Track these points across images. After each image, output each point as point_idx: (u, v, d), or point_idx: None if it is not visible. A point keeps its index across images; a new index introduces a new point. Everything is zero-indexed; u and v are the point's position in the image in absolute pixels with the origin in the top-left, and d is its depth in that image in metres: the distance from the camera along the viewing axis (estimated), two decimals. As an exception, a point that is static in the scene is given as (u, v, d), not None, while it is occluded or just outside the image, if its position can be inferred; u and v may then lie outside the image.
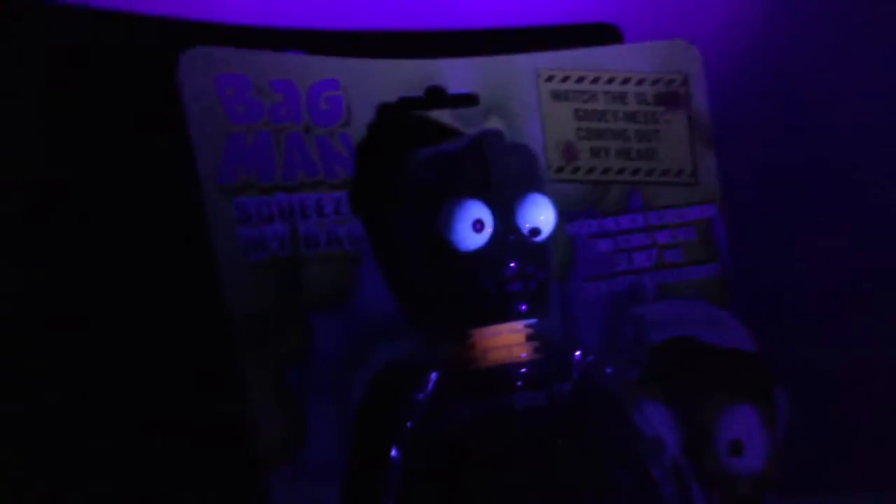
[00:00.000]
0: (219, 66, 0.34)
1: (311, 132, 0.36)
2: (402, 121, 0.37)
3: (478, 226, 0.33)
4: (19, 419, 0.32)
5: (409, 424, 0.33)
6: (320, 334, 0.35)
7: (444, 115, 0.39)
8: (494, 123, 0.40)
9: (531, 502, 0.33)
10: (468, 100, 0.39)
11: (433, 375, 0.34)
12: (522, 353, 0.34)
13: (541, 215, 0.34)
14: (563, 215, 0.40)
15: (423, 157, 0.34)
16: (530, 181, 0.35)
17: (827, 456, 0.41)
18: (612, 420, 0.36)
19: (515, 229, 0.34)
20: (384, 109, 0.37)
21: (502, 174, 0.34)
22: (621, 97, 0.42)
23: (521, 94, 0.40)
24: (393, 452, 0.33)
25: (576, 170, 0.41)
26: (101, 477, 0.31)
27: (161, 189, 0.34)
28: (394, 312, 0.36)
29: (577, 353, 0.36)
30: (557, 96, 0.41)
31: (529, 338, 0.35)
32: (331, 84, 0.37)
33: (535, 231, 0.34)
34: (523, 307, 0.34)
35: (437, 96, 0.39)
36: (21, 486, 0.32)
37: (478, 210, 0.33)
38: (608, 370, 0.39)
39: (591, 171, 0.41)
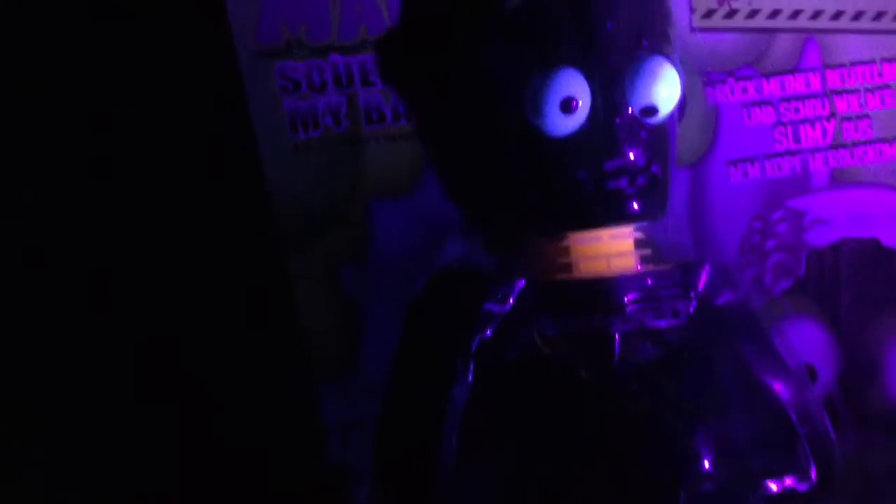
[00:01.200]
0: None
1: (376, -26, 0.29)
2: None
3: (571, 104, 0.25)
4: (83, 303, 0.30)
5: (477, 342, 0.27)
6: (381, 227, 0.29)
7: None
8: (622, -47, 0.30)
9: (623, 446, 0.27)
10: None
11: (518, 285, 0.28)
12: (628, 263, 0.27)
13: (660, 88, 0.25)
14: (707, 77, 0.31)
15: (506, 11, 0.26)
16: (650, 41, 0.26)
17: None
18: (747, 349, 0.29)
19: (623, 108, 0.26)
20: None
21: (610, 33, 0.25)
22: None
23: None
24: (460, 379, 0.27)
25: (732, 14, 0.31)
26: (146, 387, 0.29)
27: (190, 54, 0.29)
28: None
29: (705, 264, 0.28)
30: (714, -89, 0.31)
31: (638, 245, 0.27)
32: None
33: (650, 110, 0.26)
34: (629, 208, 0.26)
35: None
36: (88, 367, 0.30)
37: (571, 83, 0.25)
38: (747, 280, 0.31)
39: (753, 14, 0.31)
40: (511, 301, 0.28)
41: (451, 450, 0.27)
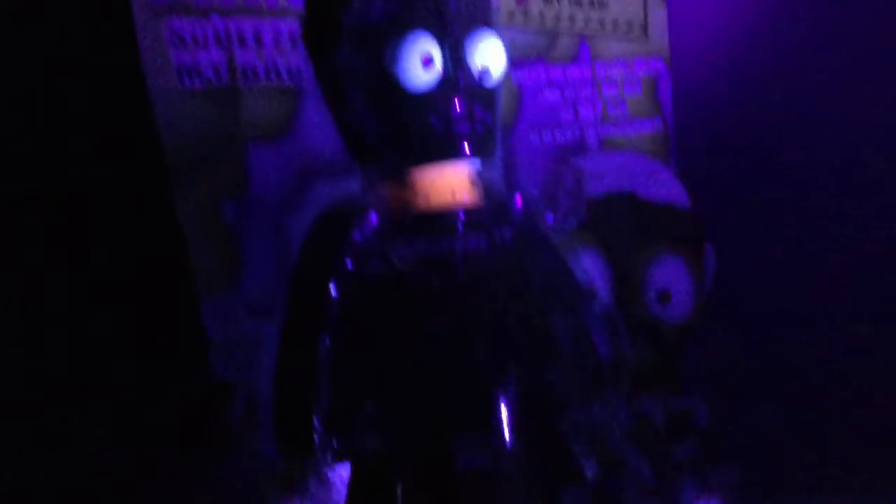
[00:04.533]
0: None
1: (252, -48, 0.34)
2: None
3: (426, 60, 0.32)
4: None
5: (347, 265, 0.33)
6: (257, 167, 0.34)
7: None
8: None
9: (469, 343, 0.34)
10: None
11: (373, 216, 0.34)
12: (466, 195, 0.34)
13: (493, 56, 0.33)
14: (512, 62, 0.40)
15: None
16: (485, 20, 0.34)
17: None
18: (550, 266, 0.37)
19: (466, 68, 0.33)
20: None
21: (456, 9, 0.33)
22: (577, -59, 0.41)
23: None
24: (331, 293, 0.32)
25: (526, 15, 0.40)
26: (39, 308, 0.31)
27: (89, 11, 0.32)
28: (332, 149, 0.35)
29: (518, 198, 0.36)
30: (512, -64, 0.39)
31: (473, 181, 0.34)
32: None
33: (486, 72, 0.33)
34: (469, 148, 0.34)
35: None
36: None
37: (427, 44, 0.32)
38: (548, 217, 0.40)
39: (541, 17, 0.40)
40: (372, 229, 0.33)
41: (325, 352, 0.32)
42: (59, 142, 0.31)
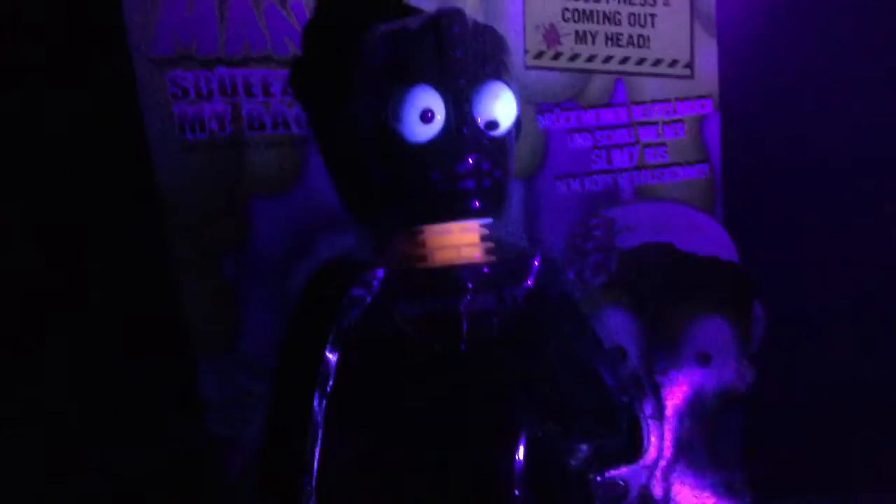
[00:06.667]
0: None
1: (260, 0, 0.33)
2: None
3: (427, 115, 0.30)
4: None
5: (346, 323, 0.31)
6: (259, 222, 0.33)
7: (415, -11, 0.35)
8: (470, 1, 0.36)
9: (471, 408, 0.32)
10: (443, -28, 0.36)
11: (379, 272, 0.32)
12: (474, 253, 0.32)
13: (500, 107, 0.31)
14: (538, 106, 0.38)
15: (376, 37, 0.31)
16: (492, 68, 0.32)
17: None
18: (570, 329, 0.34)
19: (471, 121, 0.31)
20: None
21: (460, 59, 0.31)
22: (616, -26, 0.38)
23: (503, -33, 0.36)
24: (329, 352, 0.31)
25: (557, 56, 0.38)
26: (37, 369, 0.31)
27: (91, 61, 0.32)
28: (339, 203, 0.34)
29: (536, 256, 0.34)
30: (543, -29, 0.37)
31: (482, 238, 0.32)
32: (286, -55, 0.33)
33: (493, 124, 0.31)
34: (476, 205, 0.32)
35: (408, -33, 0.35)
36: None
37: (428, 98, 0.30)
38: (570, 275, 0.37)
39: (574, 57, 0.38)
40: (375, 287, 0.32)
41: (319, 413, 0.31)
42: (59, 195, 0.31)
